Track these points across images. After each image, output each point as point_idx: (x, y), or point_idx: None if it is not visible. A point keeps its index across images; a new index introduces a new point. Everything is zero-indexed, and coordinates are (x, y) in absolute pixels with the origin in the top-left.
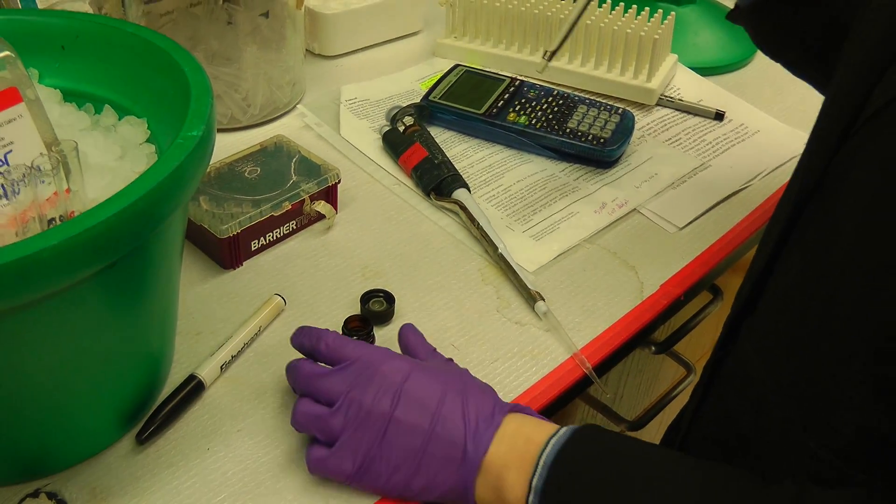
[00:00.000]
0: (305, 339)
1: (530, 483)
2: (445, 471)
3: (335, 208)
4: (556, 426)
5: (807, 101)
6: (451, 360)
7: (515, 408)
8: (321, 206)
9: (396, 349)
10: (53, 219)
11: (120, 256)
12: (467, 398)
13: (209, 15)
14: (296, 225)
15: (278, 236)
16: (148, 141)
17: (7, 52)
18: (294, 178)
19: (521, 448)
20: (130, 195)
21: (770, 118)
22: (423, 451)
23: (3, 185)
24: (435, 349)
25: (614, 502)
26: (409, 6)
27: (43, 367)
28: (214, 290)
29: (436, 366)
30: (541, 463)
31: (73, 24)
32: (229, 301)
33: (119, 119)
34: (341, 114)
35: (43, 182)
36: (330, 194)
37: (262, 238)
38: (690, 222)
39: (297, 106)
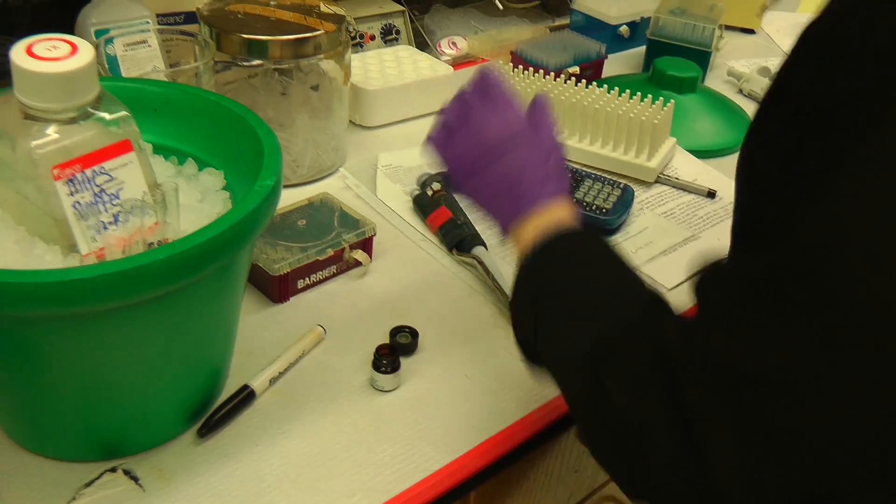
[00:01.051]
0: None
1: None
2: (507, 187)
3: (370, 257)
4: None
5: None
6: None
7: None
8: (358, 255)
9: (421, 379)
10: (152, 243)
11: (204, 275)
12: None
13: (266, 86)
14: (336, 269)
15: (321, 278)
16: (224, 188)
17: (124, 112)
18: (336, 229)
19: (550, 217)
20: (218, 227)
21: None
22: (501, 160)
23: (115, 215)
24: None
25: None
26: (440, 85)
27: (134, 362)
28: (265, 319)
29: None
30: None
31: (164, 91)
32: (277, 329)
33: (199, 170)
34: (378, 177)
35: (146, 214)
36: (366, 245)
37: (307, 278)
38: (678, 284)
39: (340, 169)
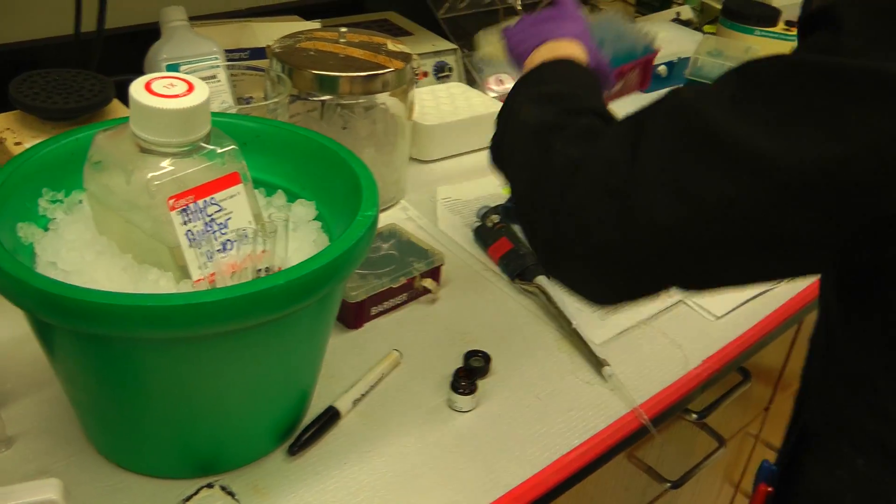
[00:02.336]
0: None
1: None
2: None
3: (438, 285)
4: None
5: None
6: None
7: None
8: (428, 283)
9: (495, 400)
10: (260, 270)
11: (314, 300)
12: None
13: (329, 120)
14: (406, 297)
15: (392, 305)
16: (315, 219)
17: (232, 146)
18: (407, 258)
19: (557, 51)
20: (331, 254)
21: None
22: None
23: (224, 243)
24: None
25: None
26: (492, 122)
27: (237, 384)
28: (342, 344)
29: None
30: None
31: (256, 126)
32: (355, 354)
33: (288, 201)
34: (438, 209)
35: (257, 242)
36: (435, 273)
37: (380, 305)
38: (727, 313)
39: (401, 201)
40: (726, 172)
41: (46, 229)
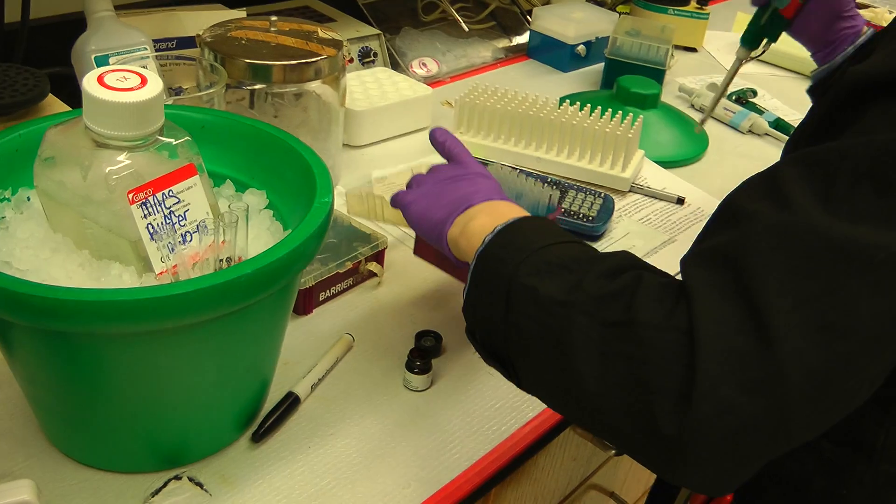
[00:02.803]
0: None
1: (494, 227)
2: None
3: (383, 268)
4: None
5: None
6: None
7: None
8: (373, 266)
9: (449, 378)
10: (222, 260)
11: (281, 286)
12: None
13: (260, 109)
14: (352, 281)
15: (340, 289)
16: (266, 207)
17: (187, 137)
18: (351, 243)
19: (498, 210)
20: (294, 241)
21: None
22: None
23: (184, 234)
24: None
25: (542, 236)
26: (421, 105)
27: (202, 376)
28: (294, 330)
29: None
30: (511, 220)
31: (199, 117)
32: (306, 339)
33: (236, 191)
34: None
35: (219, 232)
36: (379, 257)
37: (328, 290)
38: None
39: (337, 186)
40: (873, 285)
41: None
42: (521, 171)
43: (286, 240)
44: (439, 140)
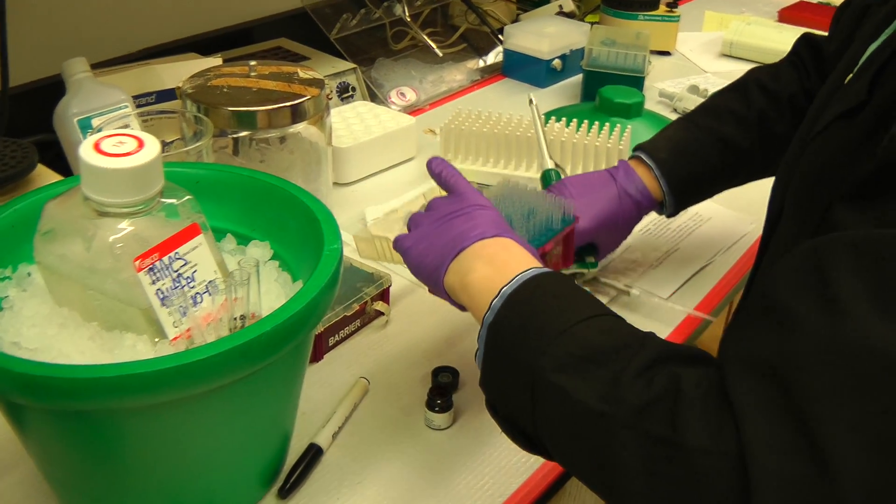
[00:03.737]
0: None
1: (500, 289)
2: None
3: (389, 306)
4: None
5: (745, 190)
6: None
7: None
8: (380, 306)
9: (472, 413)
10: (236, 318)
11: (300, 340)
12: (482, 221)
13: (245, 155)
14: (360, 323)
15: (349, 332)
16: (272, 258)
17: (188, 196)
18: (354, 284)
19: (498, 259)
20: (311, 292)
21: (718, 207)
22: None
23: (194, 296)
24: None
25: (556, 307)
26: (405, 136)
27: (223, 438)
28: (307, 379)
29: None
30: (516, 278)
31: (192, 172)
32: (321, 387)
33: (238, 244)
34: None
35: (231, 290)
36: (384, 295)
37: (336, 334)
38: (673, 293)
39: None
40: None
41: (1, 309)
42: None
43: (302, 292)
44: (435, 171)
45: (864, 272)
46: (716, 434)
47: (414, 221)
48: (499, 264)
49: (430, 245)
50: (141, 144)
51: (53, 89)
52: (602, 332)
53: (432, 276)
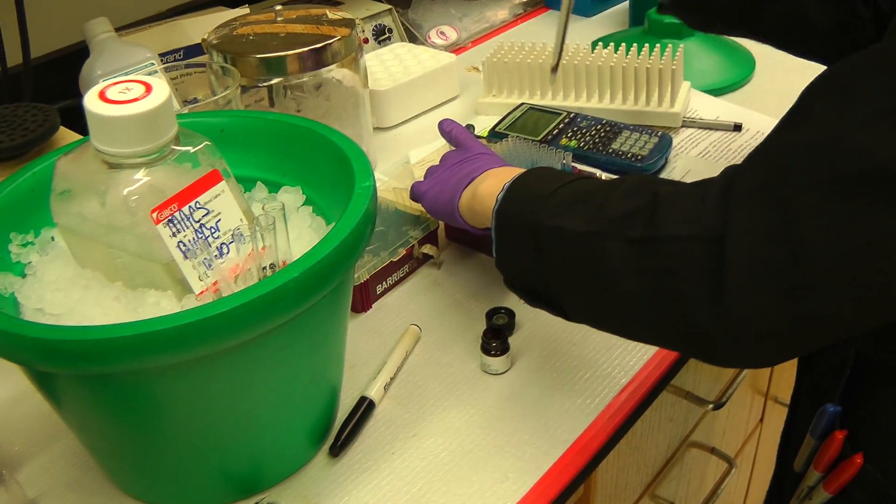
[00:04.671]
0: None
1: (504, 185)
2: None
3: (438, 248)
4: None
5: None
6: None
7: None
8: (428, 249)
9: (530, 355)
10: (265, 267)
11: (334, 285)
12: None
13: (279, 106)
14: (408, 268)
15: (397, 279)
16: (304, 204)
17: (205, 142)
18: (401, 228)
19: (502, 172)
20: (341, 233)
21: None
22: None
23: (219, 247)
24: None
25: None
26: (447, 75)
27: (266, 393)
28: (354, 330)
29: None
30: (516, 176)
31: (216, 121)
32: (370, 337)
33: (269, 192)
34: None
35: (256, 239)
36: (432, 237)
37: (383, 282)
38: None
39: (375, 173)
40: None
41: (24, 275)
42: (539, 141)
43: (332, 233)
44: (446, 130)
45: (889, 82)
46: (691, 222)
47: (428, 171)
48: (504, 175)
49: (443, 185)
50: (149, 89)
51: (79, 56)
52: (589, 183)
53: (447, 207)
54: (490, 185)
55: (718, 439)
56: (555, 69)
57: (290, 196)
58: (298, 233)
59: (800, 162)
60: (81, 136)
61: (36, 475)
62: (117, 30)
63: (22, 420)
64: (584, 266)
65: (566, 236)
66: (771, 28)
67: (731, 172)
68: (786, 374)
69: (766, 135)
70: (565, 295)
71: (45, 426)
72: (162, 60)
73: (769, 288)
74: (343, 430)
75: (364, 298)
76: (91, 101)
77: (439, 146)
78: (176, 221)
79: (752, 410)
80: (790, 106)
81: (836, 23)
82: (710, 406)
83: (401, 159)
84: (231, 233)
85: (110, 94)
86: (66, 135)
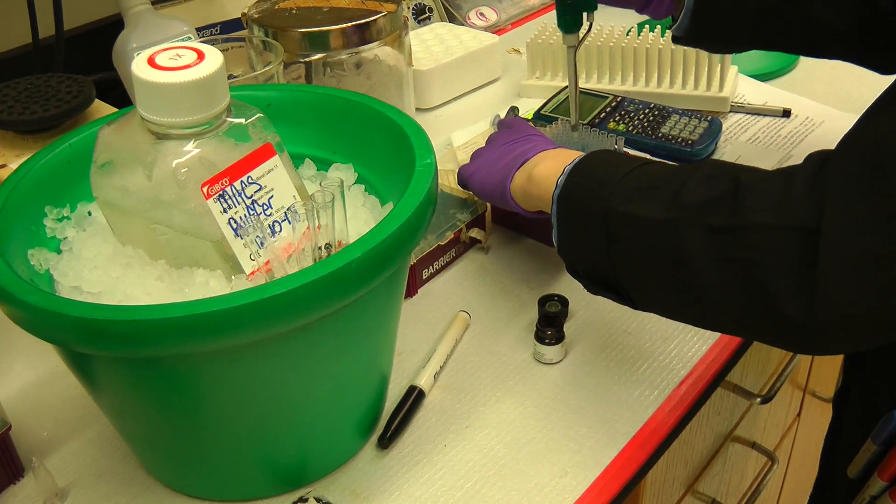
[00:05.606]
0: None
1: (564, 168)
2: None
3: (486, 233)
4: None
5: (857, 89)
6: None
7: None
8: (475, 233)
9: (584, 344)
10: (320, 247)
11: (396, 268)
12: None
13: (318, 83)
14: (455, 253)
15: (444, 263)
16: (356, 182)
17: (259, 114)
18: (448, 211)
19: (560, 154)
20: (404, 213)
21: (830, 109)
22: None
23: (272, 225)
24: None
25: (627, 167)
26: (489, 55)
27: (317, 381)
28: (401, 316)
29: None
30: (576, 159)
31: (264, 95)
32: (417, 323)
33: (318, 169)
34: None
35: (311, 216)
36: (479, 221)
37: (430, 266)
38: None
39: None
40: None
41: (59, 251)
42: (586, 124)
43: (394, 212)
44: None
45: None
46: (779, 211)
47: (476, 154)
48: (561, 158)
49: (493, 166)
50: (201, 56)
51: (113, 28)
52: (659, 168)
53: (498, 188)
54: (547, 168)
55: (759, 434)
56: (575, 127)
57: (342, 173)
58: (353, 212)
59: None
60: (117, 110)
61: (66, 462)
62: (153, 2)
63: (51, 404)
64: (660, 255)
65: (640, 223)
66: (790, 40)
67: (819, 159)
68: (824, 368)
69: (815, 121)
70: (637, 284)
71: (75, 410)
72: (199, 35)
73: (867, 281)
74: (392, 421)
75: (411, 283)
76: (140, 68)
77: (483, 129)
78: (227, 197)
79: (790, 405)
80: (834, 93)
81: (855, 21)
82: (759, 400)
83: (443, 141)
84: (284, 210)
85: (160, 61)
86: (102, 107)
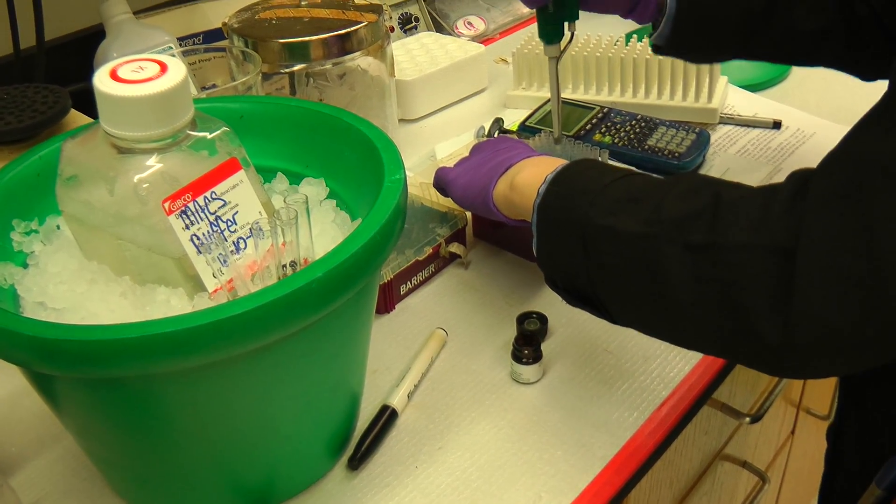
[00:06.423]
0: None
1: (546, 177)
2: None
3: (466, 248)
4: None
5: (850, 100)
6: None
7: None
8: (455, 248)
9: (563, 363)
10: (285, 265)
11: (361, 287)
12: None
13: (302, 95)
14: (434, 268)
15: (422, 279)
16: (328, 197)
17: (224, 128)
18: (427, 225)
19: (543, 162)
20: (369, 230)
21: (822, 120)
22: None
23: (236, 242)
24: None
25: (609, 178)
26: (475, 65)
27: (280, 404)
28: (376, 332)
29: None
30: (558, 168)
31: (235, 107)
32: (393, 340)
33: (291, 183)
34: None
35: (276, 234)
36: (460, 236)
37: (408, 282)
38: None
39: None
40: None
41: (26, 266)
42: (572, 136)
43: (359, 230)
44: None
45: None
46: (757, 230)
47: (458, 163)
48: (544, 165)
49: (476, 172)
50: (164, 69)
51: (94, 38)
52: (642, 180)
53: (480, 196)
54: (530, 175)
55: (750, 452)
56: (558, 140)
57: (313, 188)
58: (322, 228)
59: (887, 170)
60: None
61: (32, 480)
62: (135, 12)
63: (20, 419)
64: (637, 270)
65: (618, 237)
66: (773, 50)
67: (801, 177)
68: (818, 385)
69: (806, 133)
70: (614, 298)
71: (45, 426)
72: (181, 44)
73: (844, 302)
74: (363, 442)
75: (387, 299)
76: (101, 80)
77: (467, 141)
78: (189, 213)
79: (783, 422)
80: (826, 104)
81: (837, 28)
82: (747, 419)
83: (427, 153)
84: (249, 227)
85: (122, 73)
86: (79, 118)
